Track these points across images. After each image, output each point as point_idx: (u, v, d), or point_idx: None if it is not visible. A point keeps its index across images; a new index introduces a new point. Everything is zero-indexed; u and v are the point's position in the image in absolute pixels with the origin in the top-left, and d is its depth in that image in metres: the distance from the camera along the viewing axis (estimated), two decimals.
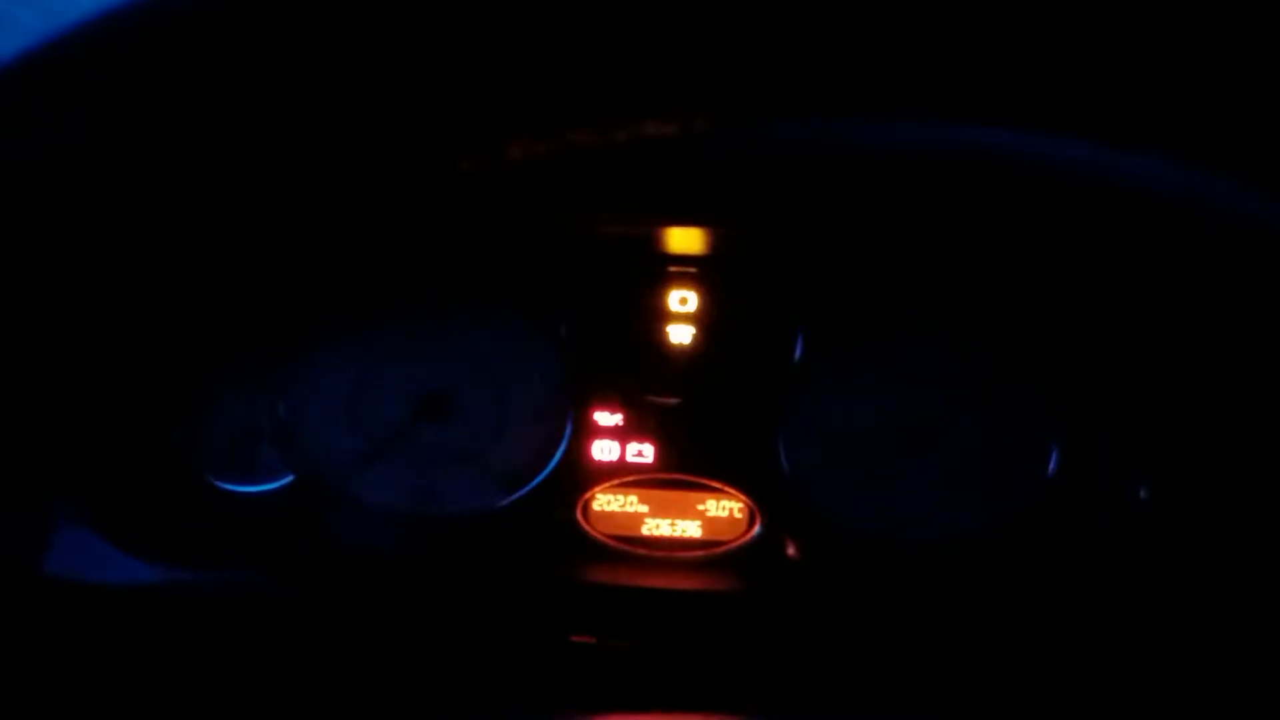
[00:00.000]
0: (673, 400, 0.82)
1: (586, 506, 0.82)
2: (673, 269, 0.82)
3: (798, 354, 0.81)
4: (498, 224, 0.68)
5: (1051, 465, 0.80)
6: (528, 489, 0.82)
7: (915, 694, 0.69)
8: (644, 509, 0.82)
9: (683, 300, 0.82)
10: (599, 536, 0.82)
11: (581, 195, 0.59)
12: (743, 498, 0.82)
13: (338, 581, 0.74)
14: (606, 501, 0.82)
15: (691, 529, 0.82)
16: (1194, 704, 0.64)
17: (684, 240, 0.78)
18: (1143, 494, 0.79)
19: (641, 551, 0.82)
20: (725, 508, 0.82)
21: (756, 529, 0.81)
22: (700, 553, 0.82)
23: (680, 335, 0.82)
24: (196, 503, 0.80)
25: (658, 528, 0.82)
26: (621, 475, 0.82)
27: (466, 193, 0.51)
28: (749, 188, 0.56)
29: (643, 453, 0.82)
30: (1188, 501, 0.78)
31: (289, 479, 0.82)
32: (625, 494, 0.82)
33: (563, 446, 0.82)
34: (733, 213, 0.65)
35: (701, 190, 0.57)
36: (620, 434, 0.82)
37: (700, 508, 0.82)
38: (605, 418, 0.82)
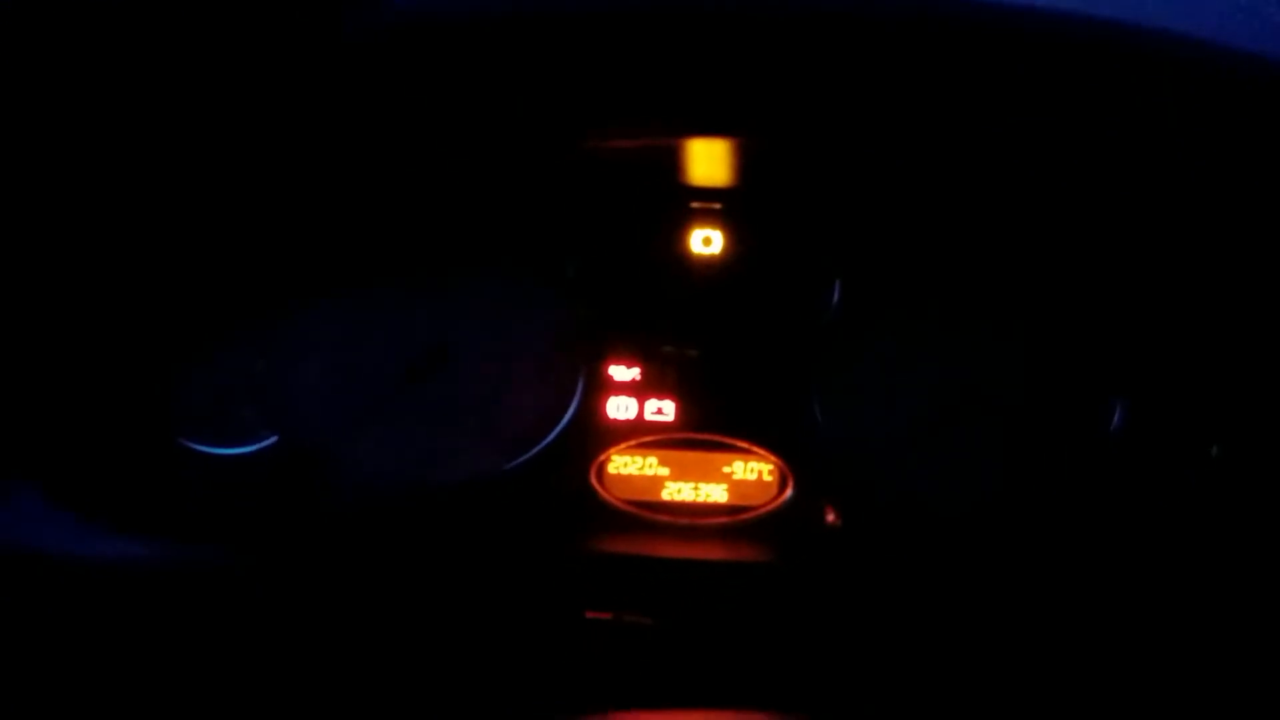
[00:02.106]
0: (696, 352, 0.78)
1: (601, 470, 0.78)
2: (695, 204, 0.77)
3: (834, 302, 0.77)
4: (497, 145, 0.64)
5: (1115, 421, 0.76)
6: (535, 451, 0.78)
7: (960, 674, 0.67)
8: (664, 472, 0.78)
9: (706, 240, 0.78)
10: (615, 502, 0.78)
11: (591, 103, 0.54)
12: (773, 459, 0.78)
13: (324, 555, 0.70)
14: (623, 464, 0.78)
15: (716, 493, 0.78)
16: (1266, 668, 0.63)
17: (707, 168, 0.72)
18: (1214, 451, 0.75)
19: (662, 518, 0.78)
20: (754, 470, 0.78)
21: (788, 493, 0.78)
22: (726, 519, 0.78)
23: (704, 279, 0.78)
24: (166, 466, 0.76)
25: (679, 492, 0.78)
26: (639, 435, 0.78)
27: (465, 108, 0.48)
28: (774, 92, 0.52)
29: (662, 410, 0.78)
30: (1262, 460, 0.74)
31: (271, 440, 0.78)
32: (644, 455, 0.78)
33: (573, 404, 0.78)
34: (755, 121, 0.59)
35: (722, 95, 0.53)
36: (637, 389, 0.78)
37: (726, 470, 0.78)
38: (620, 372, 0.78)
